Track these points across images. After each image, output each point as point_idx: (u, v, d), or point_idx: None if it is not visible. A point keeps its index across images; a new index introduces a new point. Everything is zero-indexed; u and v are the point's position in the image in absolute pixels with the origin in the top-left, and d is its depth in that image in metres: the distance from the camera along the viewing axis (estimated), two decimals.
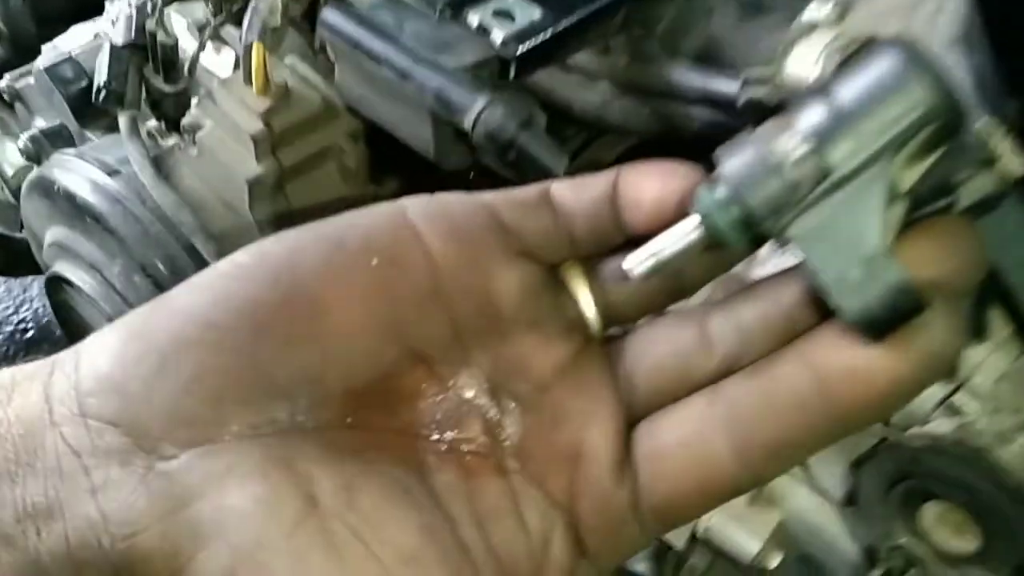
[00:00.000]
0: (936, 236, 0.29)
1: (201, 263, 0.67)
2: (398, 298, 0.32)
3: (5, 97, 0.91)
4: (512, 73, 0.56)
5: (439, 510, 0.31)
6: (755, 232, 0.29)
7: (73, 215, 0.72)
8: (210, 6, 0.76)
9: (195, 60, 0.78)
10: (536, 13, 0.56)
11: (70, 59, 0.87)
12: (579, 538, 0.33)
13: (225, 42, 0.86)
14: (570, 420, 0.33)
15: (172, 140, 0.76)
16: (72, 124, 0.87)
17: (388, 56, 0.56)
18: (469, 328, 0.33)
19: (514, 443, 0.33)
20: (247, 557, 0.28)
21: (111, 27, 0.76)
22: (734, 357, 0.32)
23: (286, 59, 0.75)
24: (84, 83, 0.85)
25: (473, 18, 0.57)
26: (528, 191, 0.34)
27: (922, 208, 0.30)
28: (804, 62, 0.32)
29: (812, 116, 0.28)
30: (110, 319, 0.72)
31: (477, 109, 0.52)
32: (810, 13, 0.35)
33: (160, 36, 0.73)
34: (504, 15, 0.57)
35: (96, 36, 0.90)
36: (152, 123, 0.80)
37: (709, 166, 0.31)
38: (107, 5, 0.80)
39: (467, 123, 0.53)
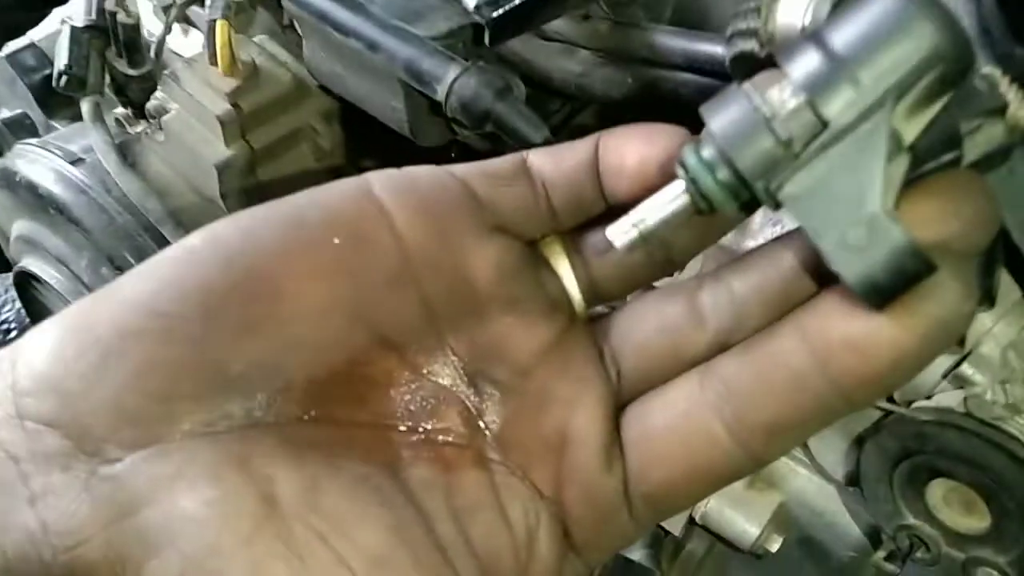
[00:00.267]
0: (942, 193, 0.27)
1: None
2: (363, 279, 0.30)
3: None
4: (487, 39, 0.53)
5: (412, 507, 0.28)
6: (746, 195, 0.27)
7: (37, 207, 0.69)
8: None
9: (161, 42, 0.75)
10: None
11: (32, 46, 0.84)
12: (566, 531, 0.31)
13: (192, 23, 0.83)
14: (554, 405, 0.31)
15: (140, 126, 0.73)
16: (36, 113, 0.84)
17: (356, 27, 0.54)
18: (443, 310, 0.31)
19: (494, 432, 0.31)
20: (200, 566, 0.25)
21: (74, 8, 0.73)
22: (727, 332, 0.30)
23: (255, 37, 0.72)
24: (47, 71, 0.82)
25: None
26: (503, 161, 0.32)
27: (926, 163, 0.28)
28: (794, 9, 0.30)
29: (805, 65, 0.26)
30: None
31: (450, 78, 0.50)
32: None
33: (121, 17, 0.70)
34: None
35: (62, 21, 0.87)
36: (120, 110, 0.77)
37: (696, 131, 0.29)
38: None
39: (440, 94, 0.51)
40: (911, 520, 0.51)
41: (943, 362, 0.49)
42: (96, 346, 0.27)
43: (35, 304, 0.79)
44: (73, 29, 0.71)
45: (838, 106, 0.25)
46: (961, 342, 0.48)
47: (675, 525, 0.60)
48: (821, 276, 0.28)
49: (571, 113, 0.67)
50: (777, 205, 0.27)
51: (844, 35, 0.26)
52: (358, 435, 0.29)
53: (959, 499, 0.50)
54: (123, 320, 0.27)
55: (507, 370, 0.31)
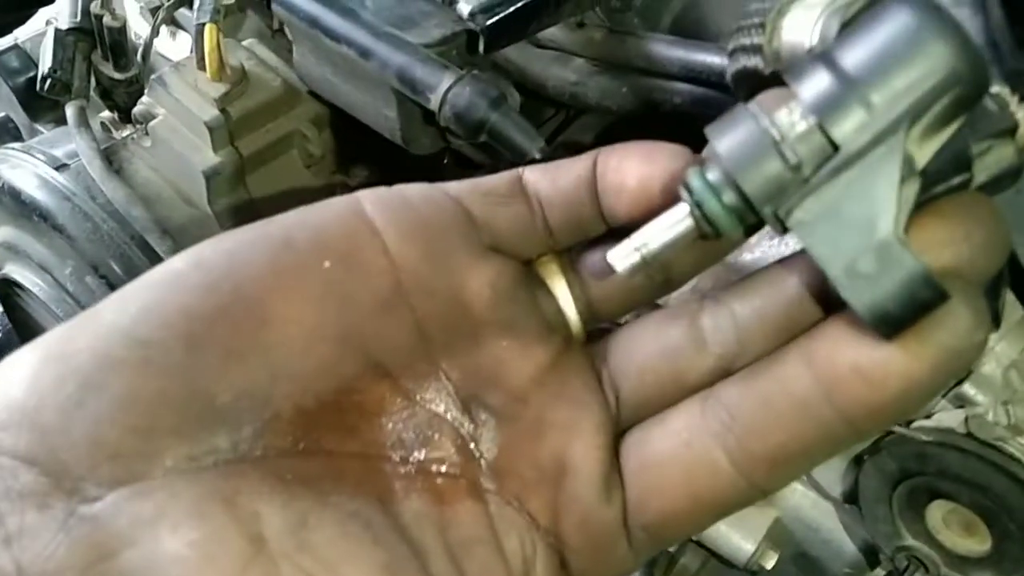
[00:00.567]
0: (953, 217, 0.27)
1: (157, 261, 0.63)
2: (354, 303, 0.29)
3: None
4: (481, 47, 0.52)
5: (405, 544, 0.27)
6: (753, 219, 0.26)
7: (20, 214, 0.68)
8: None
9: (148, 45, 0.74)
10: None
11: (16, 47, 0.82)
12: (563, 561, 0.30)
13: (180, 26, 0.82)
14: (551, 432, 0.30)
15: (126, 131, 0.72)
16: (20, 116, 0.83)
17: (348, 33, 0.53)
18: (436, 334, 0.30)
19: (490, 460, 0.30)
20: None
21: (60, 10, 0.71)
22: (730, 357, 0.30)
23: (244, 41, 0.71)
24: (32, 73, 0.80)
25: None
26: (498, 179, 0.32)
27: (935, 186, 0.27)
28: (800, 26, 0.29)
29: (815, 86, 0.25)
30: (63, 322, 0.68)
31: (444, 87, 0.49)
32: None
33: (107, 20, 0.68)
34: None
35: (47, 22, 0.86)
36: (106, 113, 0.76)
37: (696, 147, 0.28)
38: None
39: (434, 103, 0.50)
40: (910, 541, 0.51)
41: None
42: (74, 377, 0.26)
43: (18, 312, 0.78)
44: (58, 32, 0.69)
45: (850, 130, 0.25)
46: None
47: None
48: (827, 301, 0.28)
49: (566, 121, 0.66)
50: (785, 230, 0.26)
51: (856, 55, 0.25)
52: (348, 466, 0.28)
53: (959, 520, 0.50)
54: (103, 349, 0.26)
55: (502, 395, 0.30)
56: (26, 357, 0.27)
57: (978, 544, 0.50)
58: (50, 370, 0.26)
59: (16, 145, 0.71)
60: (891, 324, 0.25)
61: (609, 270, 0.28)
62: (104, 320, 0.27)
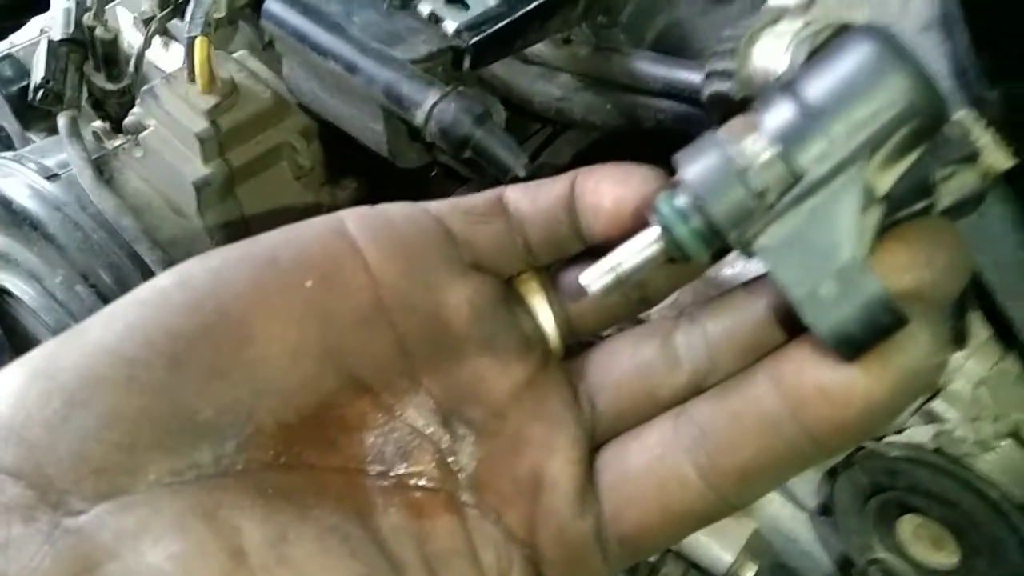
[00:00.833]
0: (915, 241, 0.27)
1: (147, 272, 0.64)
2: (336, 320, 0.29)
3: None
4: (467, 64, 0.53)
5: (383, 557, 0.28)
6: (719, 244, 0.27)
7: (10, 222, 0.68)
8: None
9: (140, 56, 0.74)
10: (491, 0, 0.53)
11: (9, 56, 0.83)
12: (539, 574, 0.31)
13: (173, 37, 0.82)
14: (529, 447, 0.31)
15: (118, 141, 0.72)
16: (12, 125, 0.83)
17: (335, 49, 0.54)
18: (416, 350, 0.30)
19: (469, 474, 0.31)
20: None
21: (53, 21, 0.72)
22: (702, 374, 0.30)
23: (235, 53, 0.72)
24: (24, 82, 0.81)
25: (425, 7, 0.54)
26: (478, 198, 0.32)
27: (898, 211, 0.28)
28: (771, 53, 0.30)
29: (779, 115, 0.26)
30: (53, 332, 0.68)
31: (429, 103, 0.50)
32: None
33: (99, 31, 0.69)
34: (458, 3, 0.54)
35: (41, 31, 0.86)
36: (97, 124, 0.76)
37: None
38: None
39: (419, 119, 0.50)
40: (882, 554, 0.51)
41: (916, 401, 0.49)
42: (60, 394, 0.26)
43: (7, 320, 0.78)
44: (51, 42, 0.70)
45: (811, 159, 0.25)
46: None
47: None
48: (794, 322, 0.28)
49: (551, 136, 0.66)
50: (750, 255, 0.27)
51: (818, 87, 0.26)
52: (329, 481, 0.29)
53: (929, 534, 0.51)
54: (88, 366, 0.27)
55: (482, 411, 0.31)
56: (13, 374, 0.27)
57: (947, 558, 0.50)
58: (36, 386, 0.27)
59: (8, 154, 0.71)
60: (853, 347, 0.26)
61: (583, 290, 0.29)
62: (90, 338, 0.28)
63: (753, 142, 0.26)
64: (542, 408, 0.31)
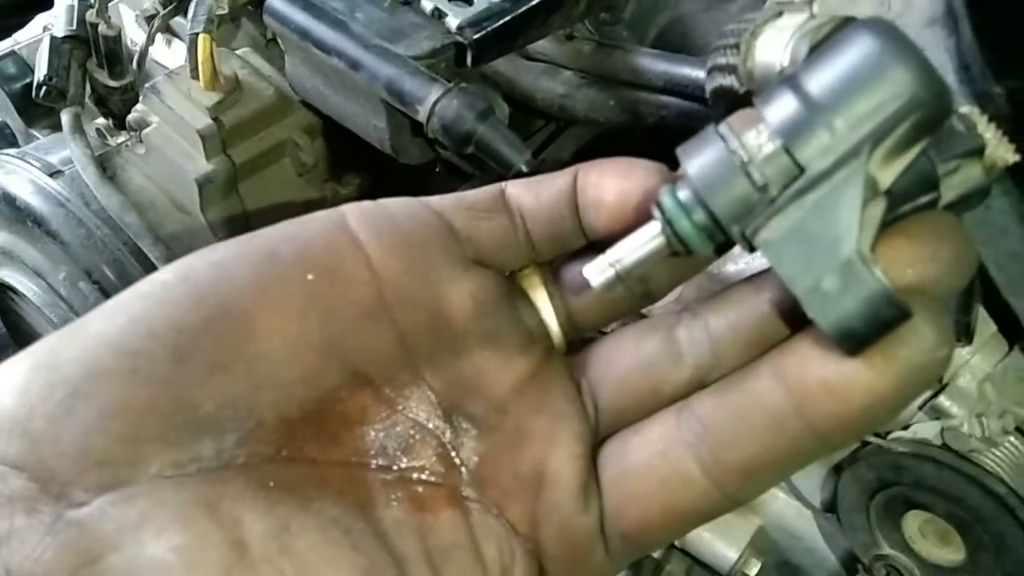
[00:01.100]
0: (919, 235, 0.27)
1: (150, 268, 0.64)
2: (337, 315, 0.29)
3: None
4: (469, 60, 0.53)
5: (385, 550, 0.28)
6: (722, 238, 0.27)
7: (14, 219, 0.68)
8: None
9: (143, 53, 0.74)
10: None
11: (13, 54, 0.83)
12: (542, 569, 0.31)
13: (175, 34, 0.82)
14: (531, 442, 0.31)
15: (121, 138, 0.72)
16: (16, 122, 0.83)
17: (338, 45, 0.54)
18: (418, 344, 0.30)
19: (470, 469, 0.30)
20: None
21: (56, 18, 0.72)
22: (705, 369, 0.30)
23: (238, 50, 0.72)
24: (28, 79, 0.81)
25: (427, 3, 0.54)
26: (481, 194, 0.32)
27: (902, 205, 0.28)
28: (773, 47, 0.30)
29: (782, 109, 0.26)
30: (56, 327, 0.69)
31: (432, 100, 0.50)
32: None
33: (102, 28, 0.69)
34: None
35: (44, 28, 0.87)
36: (100, 121, 0.76)
37: (677, 160, 0.29)
38: None
39: (422, 115, 0.50)
40: (887, 550, 0.51)
41: (920, 396, 0.49)
42: (63, 386, 0.26)
43: (11, 316, 0.78)
44: (54, 39, 0.70)
45: (814, 152, 0.25)
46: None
47: None
48: (797, 317, 0.28)
49: (554, 133, 0.66)
50: (752, 249, 0.27)
51: (820, 80, 0.25)
52: (331, 474, 0.29)
53: (935, 531, 0.50)
54: (91, 359, 0.27)
55: (484, 405, 0.31)
56: (17, 367, 0.27)
57: (953, 554, 0.50)
58: (40, 379, 0.27)
59: (11, 151, 0.72)
60: (855, 341, 0.26)
61: (586, 284, 0.29)
62: (93, 331, 0.28)
63: (756, 135, 0.26)
64: (544, 403, 0.31)
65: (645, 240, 0.28)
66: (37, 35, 0.87)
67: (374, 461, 0.30)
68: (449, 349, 0.31)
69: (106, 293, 0.65)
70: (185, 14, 0.71)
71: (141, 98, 0.68)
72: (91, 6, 0.70)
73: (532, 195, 0.32)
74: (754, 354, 0.29)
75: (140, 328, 0.27)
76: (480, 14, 0.53)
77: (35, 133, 0.84)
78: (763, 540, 0.58)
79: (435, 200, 0.32)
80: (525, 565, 0.30)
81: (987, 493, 0.45)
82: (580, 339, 0.33)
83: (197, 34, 0.63)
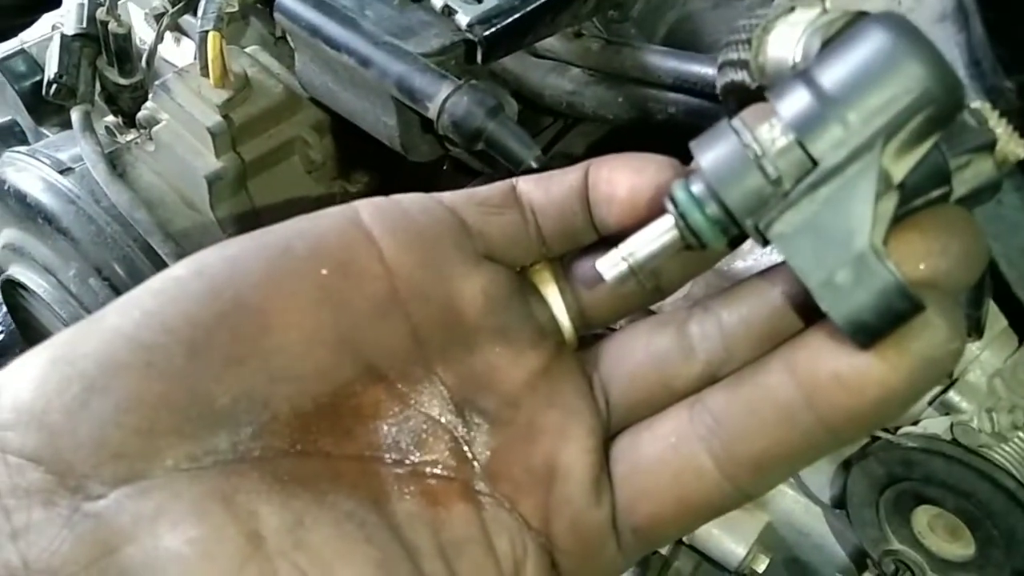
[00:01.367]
0: (931, 229, 0.27)
1: (160, 264, 0.64)
2: (351, 309, 0.29)
3: None
4: (479, 57, 0.53)
5: (399, 543, 0.28)
6: (735, 231, 0.27)
7: (25, 216, 0.69)
8: None
9: (152, 51, 0.75)
10: None
11: (22, 52, 0.83)
12: (554, 562, 0.31)
13: (184, 32, 0.83)
14: (543, 436, 0.31)
15: (130, 136, 0.73)
16: (26, 120, 0.84)
17: (348, 42, 0.54)
18: (431, 339, 0.30)
19: (483, 463, 0.31)
20: None
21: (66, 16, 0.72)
22: (717, 364, 0.30)
23: (247, 48, 0.72)
24: (38, 77, 0.81)
25: (437, 0, 0.54)
26: (492, 189, 0.32)
27: (914, 199, 0.28)
28: (785, 42, 0.30)
29: (794, 103, 0.26)
30: (66, 324, 0.69)
31: (442, 96, 0.50)
32: None
33: (112, 26, 0.69)
34: None
35: (53, 27, 0.87)
36: (110, 118, 0.77)
37: (687, 156, 0.29)
38: None
39: (432, 111, 0.50)
40: (897, 545, 0.51)
41: (931, 390, 0.49)
42: (80, 380, 0.26)
43: (21, 312, 0.79)
44: (64, 37, 0.70)
45: (827, 146, 0.25)
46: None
47: None
48: (809, 311, 0.28)
49: (562, 130, 0.67)
50: (766, 242, 0.27)
51: (834, 74, 0.26)
52: (344, 468, 0.29)
53: (944, 525, 0.50)
54: (107, 353, 0.27)
55: (496, 400, 0.31)
56: (33, 360, 0.28)
57: (962, 549, 0.50)
58: (56, 373, 0.27)
59: (22, 149, 0.72)
60: (868, 334, 0.26)
61: (599, 278, 0.29)
62: (108, 325, 0.28)
63: (769, 129, 0.26)
64: (556, 397, 0.31)
65: (658, 234, 0.28)
66: (46, 34, 0.87)
67: (387, 455, 0.30)
68: (461, 344, 0.31)
69: (116, 289, 0.66)
70: (193, 12, 0.72)
71: (151, 96, 0.69)
72: (101, 4, 0.71)
73: (543, 191, 0.32)
74: (766, 348, 0.29)
75: (155, 322, 0.28)
76: (490, 11, 0.53)
77: (44, 131, 0.85)
78: (771, 536, 0.58)
79: (447, 196, 0.32)
80: (537, 559, 0.30)
81: (997, 488, 0.46)
82: (591, 335, 0.34)
83: (207, 32, 0.63)
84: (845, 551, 0.58)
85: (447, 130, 0.51)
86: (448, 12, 0.54)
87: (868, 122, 0.25)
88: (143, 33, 0.80)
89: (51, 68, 0.70)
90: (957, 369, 0.47)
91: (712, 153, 0.27)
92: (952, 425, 0.47)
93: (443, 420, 0.30)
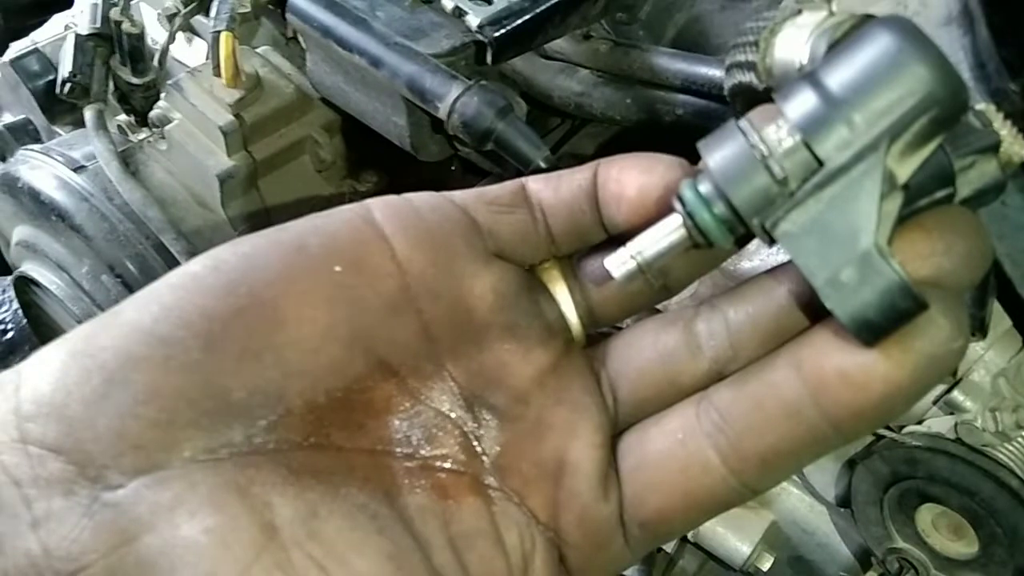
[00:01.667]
0: (934, 229, 0.28)
1: (172, 262, 0.65)
2: (363, 306, 0.30)
3: None
4: (489, 58, 0.54)
5: (410, 535, 0.29)
6: (742, 230, 0.27)
7: (38, 213, 0.69)
8: None
9: (165, 51, 0.76)
10: None
11: (36, 51, 0.84)
12: (562, 556, 0.31)
13: (196, 32, 0.83)
14: (551, 432, 0.31)
15: (143, 134, 0.73)
16: (39, 119, 0.85)
17: (359, 43, 0.54)
18: (442, 336, 0.31)
19: (492, 458, 0.31)
20: None
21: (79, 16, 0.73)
22: (724, 361, 0.31)
23: (259, 48, 0.73)
24: (51, 76, 0.82)
25: (448, 2, 0.55)
26: (502, 188, 0.33)
27: (919, 199, 0.28)
28: (792, 44, 0.30)
29: (801, 104, 0.26)
30: (79, 320, 0.70)
31: (452, 97, 0.50)
32: None
33: (126, 26, 0.70)
34: None
35: (66, 27, 0.88)
36: (123, 117, 0.78)
37: (694, 157, 0.29)
38: None
39: (442, 112, 0.51)
40: (901, 544, 0.52)
41: (935, 388, 0.49)
42: (99, 372, 0.27)
43: (34, 309, 0.79)
44: (78, 37, 0.71)
45: (833, 146, 0.26)
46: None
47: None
48: (815, 308, 0.29)
49: (570, 131, 0.67)
50: (772, 241, 0.27)
51: (839, 76, 0.26)
52: (357, 461, 0.29)
53: (948, 524, 0.51)
54: (125, 346, 0.27)
55: (505, 396, 0.31)
56: (53, 354, 0.28)
57: (966, 547, 0.51)
58: (76, 365, 0.27)
59: (35, 147, 0.73)
60: (872, 332, 0.26)
61: (607, 276, 0.30)
62: (127, 319, 0.28)
63: (775, 130, 0.26)
64: (564, 394, 0.32)
65: (666, 232, 0.28)
66: (58, 33, 0.88)
67: (398, 449, 0.30)
68: (471, 341, 0.31)
69: (128, 287, 0.66)
70: (206, 13, 0.73)
71: (163, 95, 0.70)
72: (115, 4, 0.72)
73: (552, 190, 0.32)
74: (772, 346, 0.30)
75: (172, 316, 0.28)
76: (500, 13, 0.54)
77: (57, 129, 0.85)
78: (776, 535, 0.59)
79: (458, 194, 0.32)
80: (545, 552, 0.31)
81: (1000, 486, 0.46)
82: (599, 332, 0.34)
83: (220, 32, 0.64)
84: (849, 549, 0.58)
85: (457, 130, 0.51)
86: (458, 13, 0.54)
87: (873, 123, 0.25)
88: (156, 33, 0.81)
89: (65, 67, 0.70)
90: (961, 369, 0.48)
91: (719, 153, 0.27)
92: (956, 424, 0.47)
93: (453, 415, 0.31)
